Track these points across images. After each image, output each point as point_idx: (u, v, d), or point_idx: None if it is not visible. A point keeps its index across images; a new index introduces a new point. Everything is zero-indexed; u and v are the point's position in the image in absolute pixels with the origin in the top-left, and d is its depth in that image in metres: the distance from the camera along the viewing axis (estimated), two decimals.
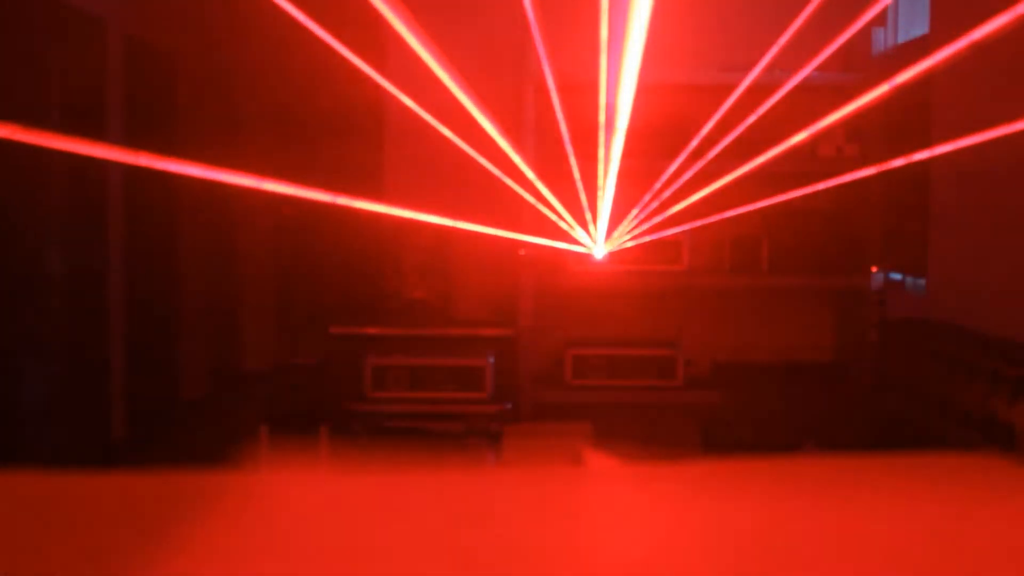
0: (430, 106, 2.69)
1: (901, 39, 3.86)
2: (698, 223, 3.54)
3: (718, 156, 2.99)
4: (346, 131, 5.50)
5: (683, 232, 3.80)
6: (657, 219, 3.61)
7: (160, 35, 4.75)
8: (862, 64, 3.79)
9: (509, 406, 3.73)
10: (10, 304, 3.61)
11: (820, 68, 3.08)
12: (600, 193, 3.53)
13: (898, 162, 2.79)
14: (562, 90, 3.58)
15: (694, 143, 3.20)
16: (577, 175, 3.66)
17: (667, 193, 3.58)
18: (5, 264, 3.60)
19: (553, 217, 3.61)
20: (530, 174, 3.46)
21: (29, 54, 3.69)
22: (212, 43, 5.36)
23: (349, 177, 5.63)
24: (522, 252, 3.90)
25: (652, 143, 3.86)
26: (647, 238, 3.70)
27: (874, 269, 3.88)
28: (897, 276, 3.88)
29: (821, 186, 2.82)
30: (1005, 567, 0.67)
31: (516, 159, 3.31)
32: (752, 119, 2.49)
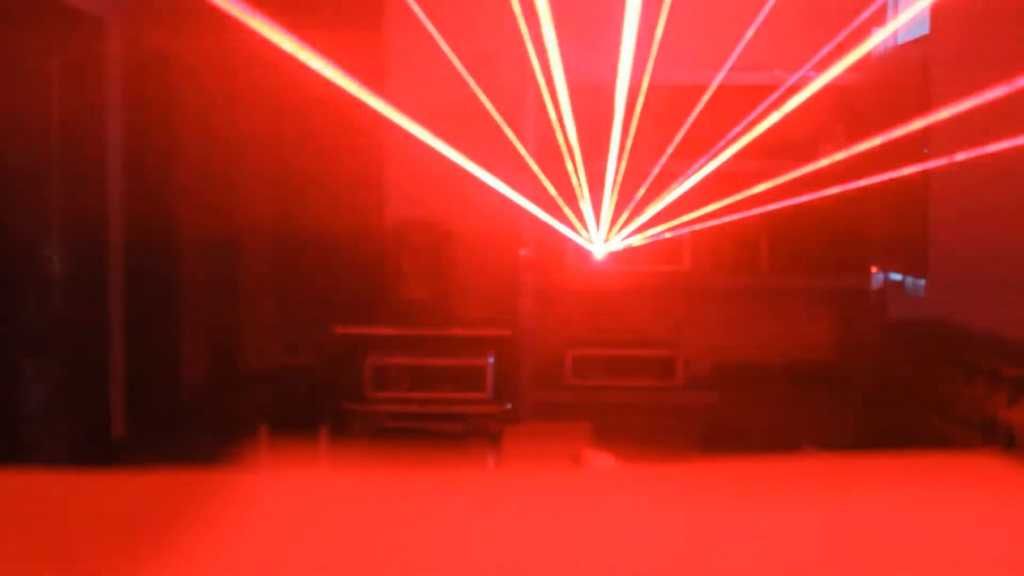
0: (431, 102, 2.68)
1: (901, 39, 3.86)
2: (699, 224, 3.54)
3: (718, 156, 2.99)
4: (346, 126, 5.50)
5: (683, 232, 3.80)
6: (658, 220, 3.61)
7: (160, 35, 4.75)
8: (862, 64, 3.79)
9: (509, 406, 3.73)
10: (10, 304, 3.61)
11: (819, 68, 3.08)
12: (601, 193, 3.52)
13: (899, 172, 2.80)
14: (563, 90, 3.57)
15: (691, 143, 3.20)
16: (575, 175, 3.66)
17: (668, 193, 3.58)
18: (5, 264, 3.60)
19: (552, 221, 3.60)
20: (529, 173, 3.46)
21: (29, 54, 3.69)
22: (212, 41, 5.35)
23: (349, 171, 5.63)
24: (522, 252, 3.90)
25: (651, 144, 3.86)
26: (647, 233, 3.70)
27: (874, 270, 3.88)
28: (897, 277, 3.88)
29: (825, 192, 2.82)
30: (1005, 567, 0.67)
31: (516, 158, 3.31)
32: (751, 119, 2.49)
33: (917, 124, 2.59)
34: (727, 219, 3.42)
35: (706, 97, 3.49)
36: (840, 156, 3.82)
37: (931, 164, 2.76)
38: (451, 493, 0.83)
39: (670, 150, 3.68)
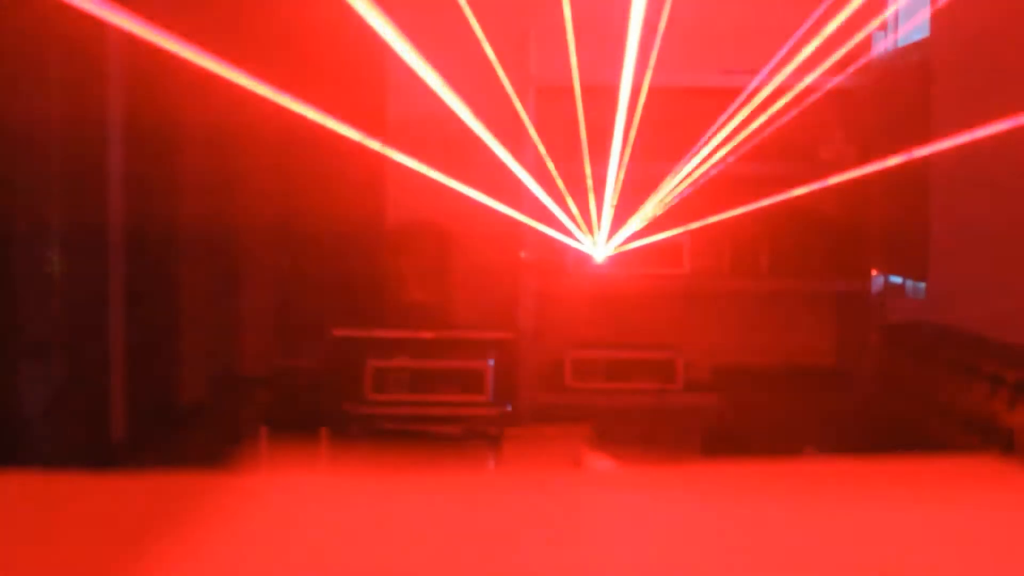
0: (431, 106, 2.68)
1: (902, 43, 3.86)
2: (699, 222, 3.54)
3: (719, 159, 2.99)
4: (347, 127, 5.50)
5: (683, 235, 3.80)
6: (658, 221, 3.61)
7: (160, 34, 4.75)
8: (862, 67, 3.79)
9: (509, 409, 3.73)
10: (10, 304, 3.61)
11: (820, 71, 3.08)
12: (601, 196, 3.52)
13: (896, 160, 2.80)
14: (563, 93, 3.58)
15: (696, 145, 3.20)
16: (573, 177, 3.66)
17: (668, 195, 3.58)
18: (5, 264, 3.60)
19: (550, 229, 3.60)
20: (528, 178, 3.46)
21: (29, 54, 3.69)
22: (212, 40, 5.35)
23: (349, 173, 5.63)
24: (523, 255, 3.90)
25: (651, 146, 3.87)
26: (647, 239, 3.70)
27: (874, 272, 3.88)
28: (897, 279, 3.88)
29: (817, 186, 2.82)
30: (1005, 569, 0.67)
31: (515, 162, 3.31)
32: (752, 121, 2.49)
33: (916, 124, 2.60)
34: (726, 216, 3.42)
35: (705, 100, 3.49)
36: (840, 158, 3.83)
37: (932, 146, 2.76)
38: (451, 495, 0.83)
39: (670, 152, 3.69)
